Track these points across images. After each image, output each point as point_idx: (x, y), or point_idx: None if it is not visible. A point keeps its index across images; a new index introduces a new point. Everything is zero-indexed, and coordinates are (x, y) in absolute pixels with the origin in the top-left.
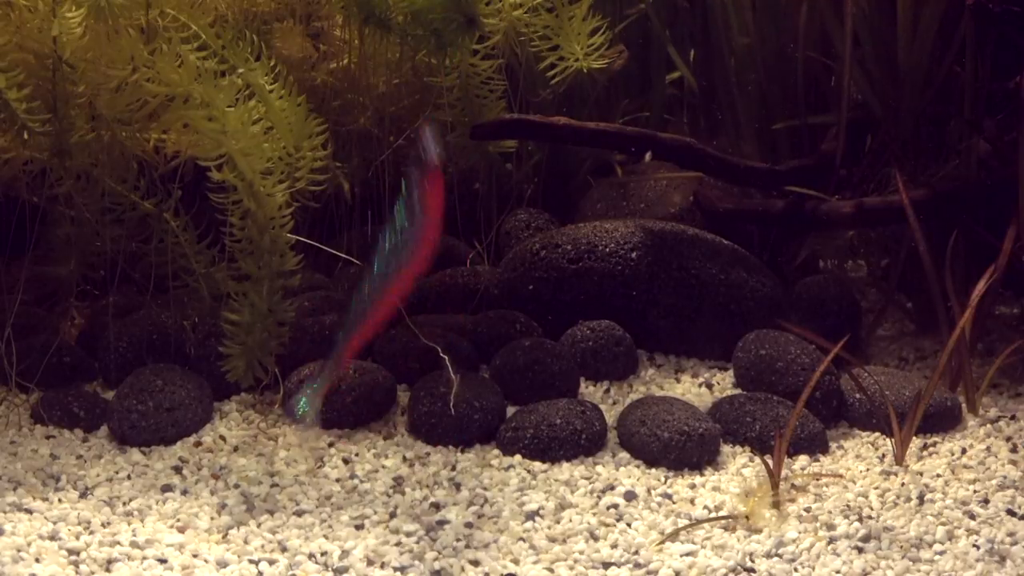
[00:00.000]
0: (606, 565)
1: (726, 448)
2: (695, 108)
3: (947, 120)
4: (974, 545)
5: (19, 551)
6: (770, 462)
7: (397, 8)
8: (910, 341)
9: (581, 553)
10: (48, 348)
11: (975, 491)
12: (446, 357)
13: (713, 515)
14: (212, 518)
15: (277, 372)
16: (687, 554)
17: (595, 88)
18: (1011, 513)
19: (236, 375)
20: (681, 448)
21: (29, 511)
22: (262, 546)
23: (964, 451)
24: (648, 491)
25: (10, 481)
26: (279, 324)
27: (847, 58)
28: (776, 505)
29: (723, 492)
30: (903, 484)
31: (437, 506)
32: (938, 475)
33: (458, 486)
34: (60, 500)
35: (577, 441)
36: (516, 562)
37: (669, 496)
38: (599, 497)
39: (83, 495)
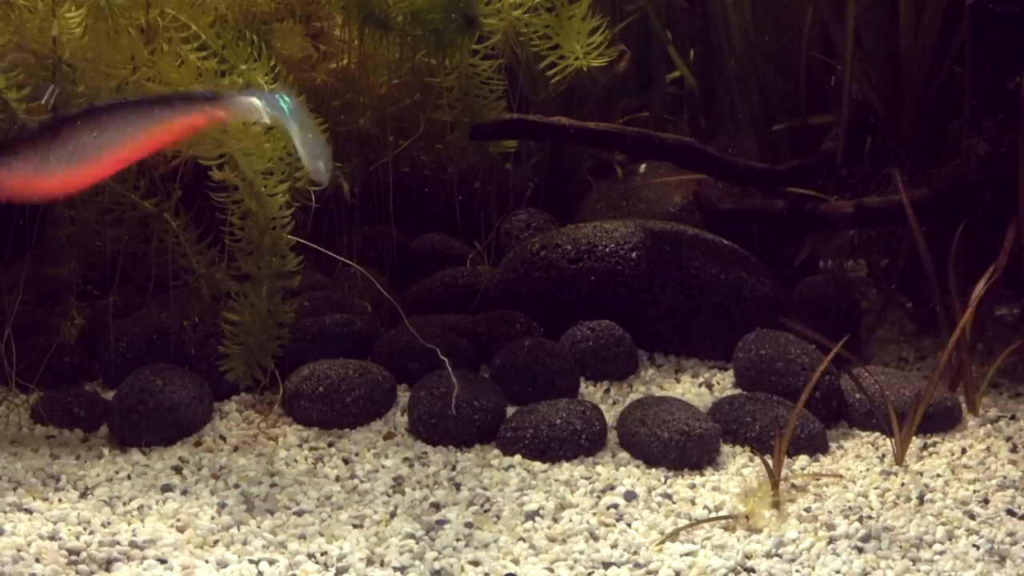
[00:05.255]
0: (606, 565)
1: (726, 448)
2: (695, 108)
3: (947, 120)
4: (974, 545)
5: (19, 551)
6: (770, 462)
7: (397, 8)
8: (910, 341)
9: (581, 553)
10: (48, 348)
11: (975, 491)
12: (446, 360)
13: (713, 515)
14: (212, 518)
15: (277, 373)
16: (687, 554)
17: (595, 88)
18: (1011, 513)
19: (235, 375)
20: (681, 448)
21: (29, 511)
22: (262, 546)
23: (964, 451)
24: (648, 491)
25: (10, 481)
26: (279, 325)
27: (848, 57)
28: (776, 505)
29: (723, 492)
30: (903, 484)
31: (437, 506)
32: (938, 475)
33: (458, 486)
34: (60, 500)
35: (577, 441)
36: (516, 562)
37: (669, 496)
38: (599, 497)
39: (83, 495)
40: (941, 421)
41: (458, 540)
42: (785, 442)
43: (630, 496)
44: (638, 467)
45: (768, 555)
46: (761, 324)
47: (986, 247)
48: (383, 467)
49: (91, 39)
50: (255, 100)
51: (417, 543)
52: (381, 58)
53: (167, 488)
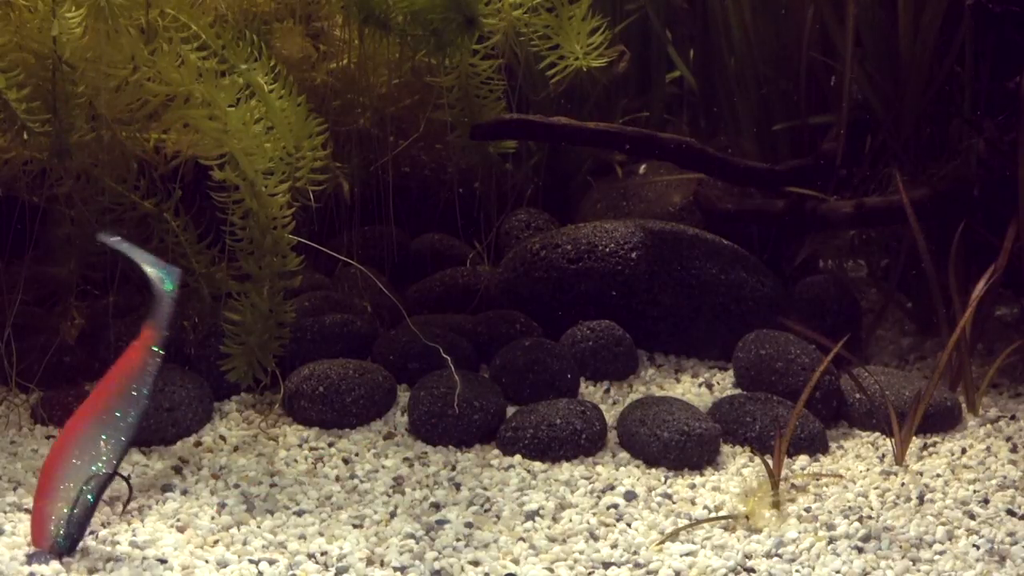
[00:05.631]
0: (606, 565)
1: (726, 448)
2: (695, 108)
3: (947, 120)
4: (974, 545)
5: (19, 551)
6: (770, 462)
7: (397, 8)
8: (910, 341)
9: (581, 553)
10: (48, 348)
11: (975, 491)
12: (449, 358)
13: (713, 515)
14: (212, 518)
15: (278, 372)
16: (687, 554)
17: (595, 88)
18: (1011, 513)
19: (236, 375)
20: (681, 448)
21: (29, 511)
22: (262, 546)
23: (964, 451)
24: (648, 491)
25: (10, 481)
26: (280, 325)
27: (848, 57)
28: (776, 505)
29: (723, 492)
30: (903, 484)
31: (437, 506)
32: (938, 475)
33: (458, 486)
34: None
35: (577, 441)
36: (516, 562)
37: (669, 496)
38: (599, 497)
39: None
40: (941, 421)
41: (458, 540)
42: (785, 442)
43: (630, 496)
44: (638, 467)
45: (768, 555)
46: (761, 324)
47: (986, 247)
48: (383, 467)
49: (91, 39)
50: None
51: (417, 543)
52: (381, 58)
53: (167, 488)
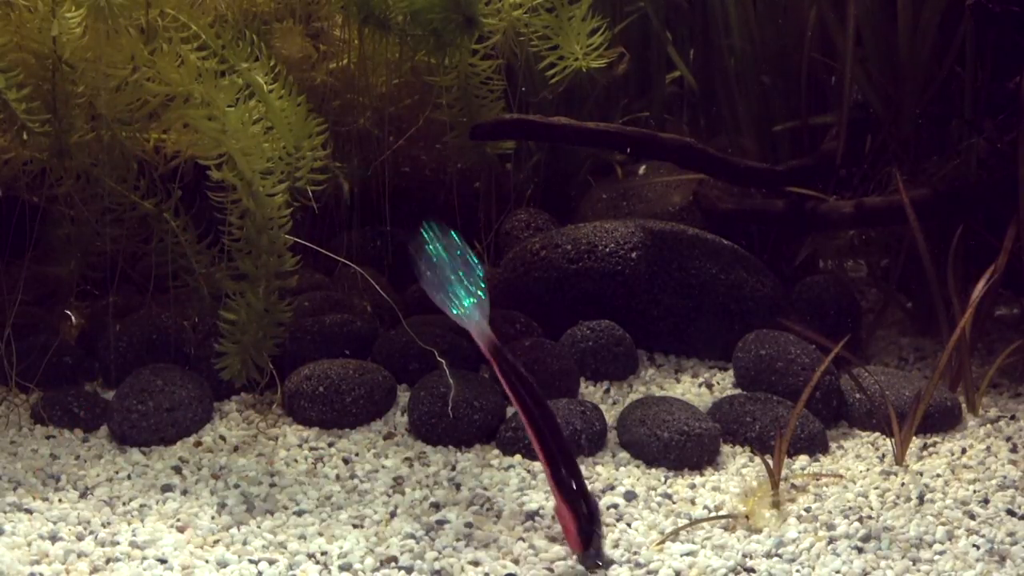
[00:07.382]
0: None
1: (726, 448)
2: (695, 108)
3: (947, 120)
4: (974, 545)
5: (19, 551)
6: (770, 462)
7: (396, 8)
8: (910, 341)
9: None
10: (48, 348)
11: (975, 491)
12: (443, 362)
13: (713, 515)
14: (212, 518)
15: (275, 372)
16: (687, 554)
17: (595, 88)
18: (1011, 513)
19: (231, 373)
20: (681, 448)
21: (29, 511)
22: (262, 546)
23: (964, 451)
24: (648, 491)
25: (10, 481)
26: (276, 324)
27: (849, 57)
28: (776, 505)
29: (723, 492)
30: (903, 484)
31: (437, 506)
32: (938, 475)
33: (458, 486)
34: (60, 500)
35: (577, 441)
36: (516, 562)
37: (669, 496)
38: (599, 497)
39: (83, 495)
40: (941, 421)
41: (458, 540)
42: (785, 442)
43: (630, 496)
44: (638, 467)
45: (768, 555)
46: (761, 324)
47: (986, 247)
48: (383, 467)
49: (91, 39)
50: None
51: (417, 543)
52: (381, 58)
53: (167, 488)
